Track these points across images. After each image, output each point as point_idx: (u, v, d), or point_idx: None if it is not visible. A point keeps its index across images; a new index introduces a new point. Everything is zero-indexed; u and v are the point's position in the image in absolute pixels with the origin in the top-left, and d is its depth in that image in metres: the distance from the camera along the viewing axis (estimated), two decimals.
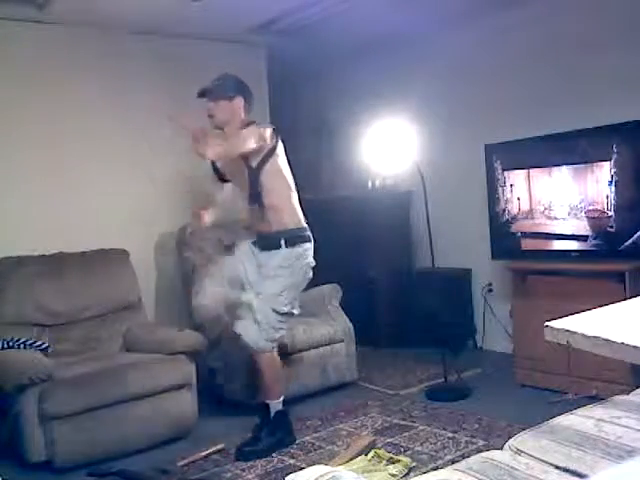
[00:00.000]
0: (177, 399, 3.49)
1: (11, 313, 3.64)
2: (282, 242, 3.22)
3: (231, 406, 3.99)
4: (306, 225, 3.34)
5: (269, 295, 3.23)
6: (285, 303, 3.25)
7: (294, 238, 3.25)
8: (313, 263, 3.33)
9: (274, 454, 3.22)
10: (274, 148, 3.24)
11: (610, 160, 3.63)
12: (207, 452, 3.24)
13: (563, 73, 4.26)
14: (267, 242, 3.28)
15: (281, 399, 3.35)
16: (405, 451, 3.11)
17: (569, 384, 3.69)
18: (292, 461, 3.12)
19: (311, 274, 3.35)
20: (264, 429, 3.30)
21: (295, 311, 3.33)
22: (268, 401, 3.32)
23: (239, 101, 3.33)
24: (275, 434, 3.29)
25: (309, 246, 3.30)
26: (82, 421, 3.17)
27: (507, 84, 4.61)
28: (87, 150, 4.26)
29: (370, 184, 5.38)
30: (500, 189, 4.23)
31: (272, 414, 3.31)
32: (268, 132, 3.22)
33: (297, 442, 3.34)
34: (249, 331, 3.25)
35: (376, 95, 5.23)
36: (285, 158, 3.34)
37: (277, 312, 3.23)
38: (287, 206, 3.29)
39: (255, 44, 4.95)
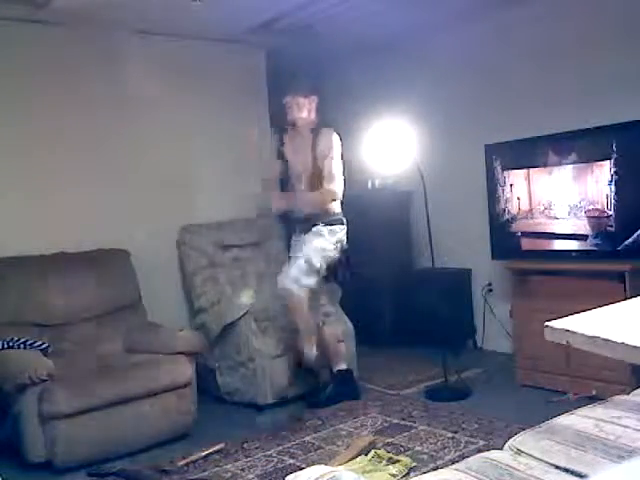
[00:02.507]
0: (177, 399, 3.48)
1: (11, 313, 3.64)
2: (319, 223, 3.80)
3: (231, 406, 4.00)
4: (340, 211, 3.90)
5: (305, 253, 3.75)
6: (316, 259, 3.73)
7: (332, 220, 3.83)
8: (345, 245, 3.88)
9: (274, 453, 3.22)
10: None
11: (610, 160, 3.63)
12: (207, 452, 3.23)
13: (563, 73, 4.26)
14: (308, 224, 3.82)
15: (313, 348, 3.81)
16: (405, 451, 3.11)
17: (569, 384, 3.69)
18: (292, 461, 3.12)
19: (337, 254, 3.84)
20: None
21: (321, 272, 3.78)
22: (303, 345, 3.79)
23: (314, 100, 3.82)
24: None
25: (341, 228, 3.87)
26: (82, 421, 3.17)
27: (507, 84, 4.61)
28: (87, 149, 4.26)
29: (370, 184, 5.38)
30: (500, 189, 4.23)
31: (306, 359, 3.79)
32: (339, 140, 3.85)
33: (297, 442, 3.34)
34: (282, 278, 3.76)
35: (376, 95, 5.23)
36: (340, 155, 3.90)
37: (308, 263, 3.72)
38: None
39: (255, 44, 4.94)
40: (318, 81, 3.98)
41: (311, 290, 3.81)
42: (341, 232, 3.89)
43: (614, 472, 0.92)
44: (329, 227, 3.83)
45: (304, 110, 3.84)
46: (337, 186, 3.87)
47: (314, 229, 3.81)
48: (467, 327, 4.97)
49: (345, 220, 3.93)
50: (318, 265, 3.76)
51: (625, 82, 3.92)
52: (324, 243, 3.80)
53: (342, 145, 3.94)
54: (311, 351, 3.82)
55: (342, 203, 3.96)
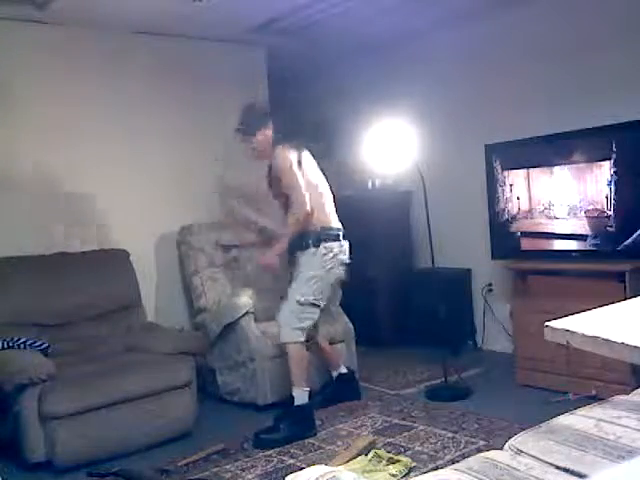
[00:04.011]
0: (177, 399, 3.48)
1: (11, 313, 3.64)
2: (310, 242, 3.50)
3: (231, 406, 4.00)
4: (337, 225, 3.62)
5: (294, 287, 3.52)
6: (309, 294, 3.48)
7: (320, 236, 3.52)
8: (346, 260, 3.62)
9: (274, 453, 3.22)
10: (297, 163, 3.55)
11: (610, 160, 3.63)
12: (207, 452, 3.23)
13: (563, 73, 4.26)
14: (296, 243, 3.54)
15: (306, 390, 3.49)
16: (405, 451, 3.11)
17: (569, 384, 3.69)
18: (292, 461, 3.12)
19: (342, 271, 3.61)
20: (285, 419, 3.41)
21: (321, 303, 3.55)
22: (293, 388, 3.46)
23: (268, 132, 3.64)
24: (296, 425, 3.39)
25: (337, 244, 3.57)
26: (82, 421, 3.17)
27: (507, 84, 4.61)
28: (86, 150, 4.26)
29: (370, 184, 5.38)
30: (500, 189, 4.23)
31: (295, 403, 3.44)
32: (288, 153, 3.53)
33: (297, 442, 3.33)
34: (279, 324, 3.54)
35: (376, 95, 5.24)
36: (314, 165, 3.67)
37: (300, 303, 3.47)
38: (316, 209, 3.52)
39: (255, 44, 4.95)
40: (263, 113, 3.72)
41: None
42: (337, 249, 3.55)
43: (614, 472, 0.92)
44: (320, 246, 3.50)
45: (262, 145, 3.63)
46: (297, 200, 3.48)
47: (303, 252, 3.52)
48: (467, 327, 4.97)
49: (343, 235, 3.61)
50: (311, 299, 3.48)
51: (625, 82, 3.92)
52: (313, 270, 3.49)
53: (296, 153, 3.58)
54: (304, 396, 3.48)
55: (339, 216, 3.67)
